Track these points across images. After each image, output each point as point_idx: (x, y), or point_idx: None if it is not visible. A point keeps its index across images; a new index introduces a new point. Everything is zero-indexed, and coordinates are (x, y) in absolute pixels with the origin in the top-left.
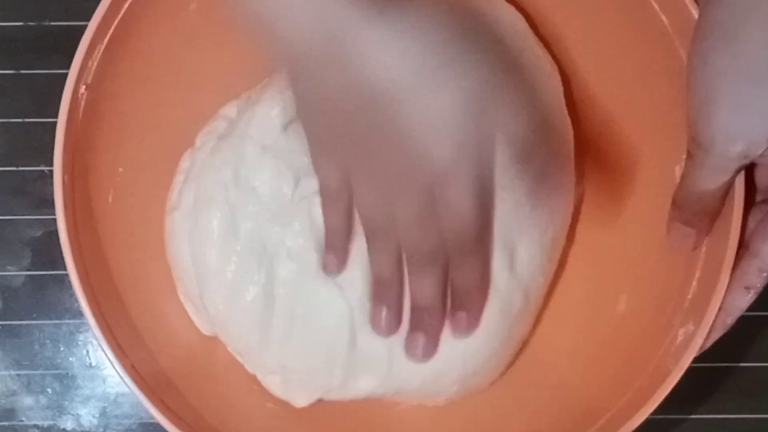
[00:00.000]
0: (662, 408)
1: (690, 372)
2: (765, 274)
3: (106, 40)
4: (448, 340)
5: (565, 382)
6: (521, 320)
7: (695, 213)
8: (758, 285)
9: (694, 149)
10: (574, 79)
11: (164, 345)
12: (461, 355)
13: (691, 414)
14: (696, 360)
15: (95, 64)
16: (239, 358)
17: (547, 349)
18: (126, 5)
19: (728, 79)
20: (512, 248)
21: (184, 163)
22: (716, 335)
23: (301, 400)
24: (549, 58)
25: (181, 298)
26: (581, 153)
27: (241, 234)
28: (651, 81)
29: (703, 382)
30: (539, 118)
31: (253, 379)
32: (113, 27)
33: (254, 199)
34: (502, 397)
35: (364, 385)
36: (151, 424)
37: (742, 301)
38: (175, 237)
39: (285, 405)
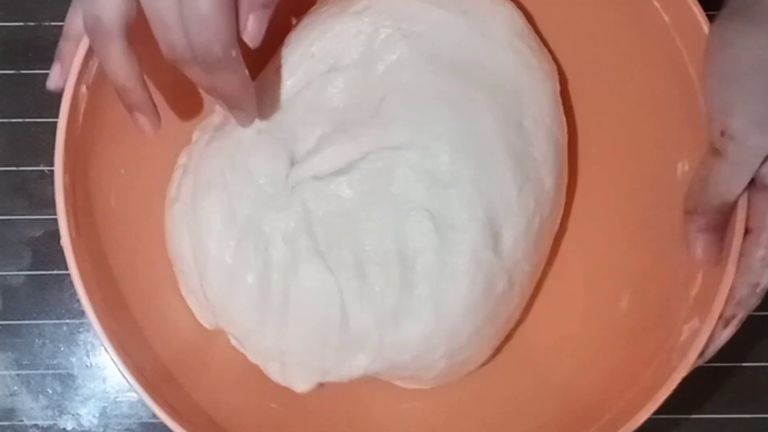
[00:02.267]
0: (663, 408)
1: (691, 372)
2: None
3: None
4: (432, 313)
5: (567, 380)
6: (505, 303)
7: (718, 216)
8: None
9: (724, 144)
10: (572, 76)
11: (167, 342)
12: (448, 329)
13: (691, 414)
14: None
15: (96, 64)
16: (241, 348)
17: (548, 346)
18: None
19: (755, 65)
20: (497, 230)
21: (182, 159)
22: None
23: (301, 384)
24: (547, 55)
25: (183, 292)
26: (577, 149)
27: (238, 219)
28: (651, 78)
29: (703, 383)
30: None
31: (256, 375)
32: None
33: (251, 182)
34: (502, 395)
35: (359, 363)
36: (151, 423)
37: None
38: (176, 229)
39: (287, 401)
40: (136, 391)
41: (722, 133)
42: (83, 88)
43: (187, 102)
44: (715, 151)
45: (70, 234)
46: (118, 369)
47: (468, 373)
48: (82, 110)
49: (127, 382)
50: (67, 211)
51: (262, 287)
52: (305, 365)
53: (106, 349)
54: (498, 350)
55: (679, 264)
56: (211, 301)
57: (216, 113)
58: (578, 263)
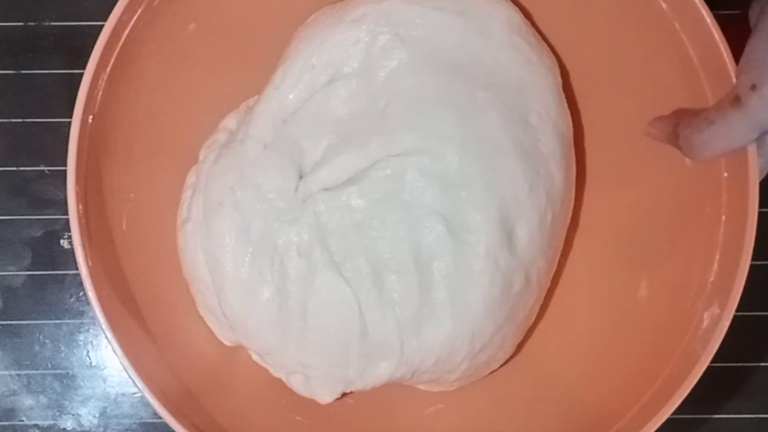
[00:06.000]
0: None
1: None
2: None
3: (109, 68)
4: (453, 316)
5: (591, 374)
6: (523, 301)
7: (694, 155)
8: None
9: (749, 96)
10: (573, 69)
11: (189, 362)
12: (469, 331)
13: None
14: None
15: (100, 92)
16: (263, 363)
17: (568, 342)
18: (126, 31)
19: None
20: (511, 229)
21: (191, 179)
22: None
23: (325, 396)
24: (547, 49)
25: (201, 312)
26: (584, 142)
27: (251, 235)
28: (652, 64)
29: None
30: None
31: (279, 389)
32: (115, 54)
33: (261, 198)
34: (526, 392)
35: (382, 371)
36: (152, 423)
37: None
38: (189, 249)
39: (311, 413)
40: (161, 415)
41: (753, 87)
42: (90, 118)
43: (192, 122)
44: (736, 101)
45: (87, 263)
46: (144, 394)
47: (491, 371)
48: (89, 139)
49: (153, 406)
50: (83, 241)
51: (280, 302)
52: (328, 376)
53: (129, 375)
54: (519, 347)
55: (694, 251)
56: (230, 318)
57: (221, 131)
58: (593, 255)
